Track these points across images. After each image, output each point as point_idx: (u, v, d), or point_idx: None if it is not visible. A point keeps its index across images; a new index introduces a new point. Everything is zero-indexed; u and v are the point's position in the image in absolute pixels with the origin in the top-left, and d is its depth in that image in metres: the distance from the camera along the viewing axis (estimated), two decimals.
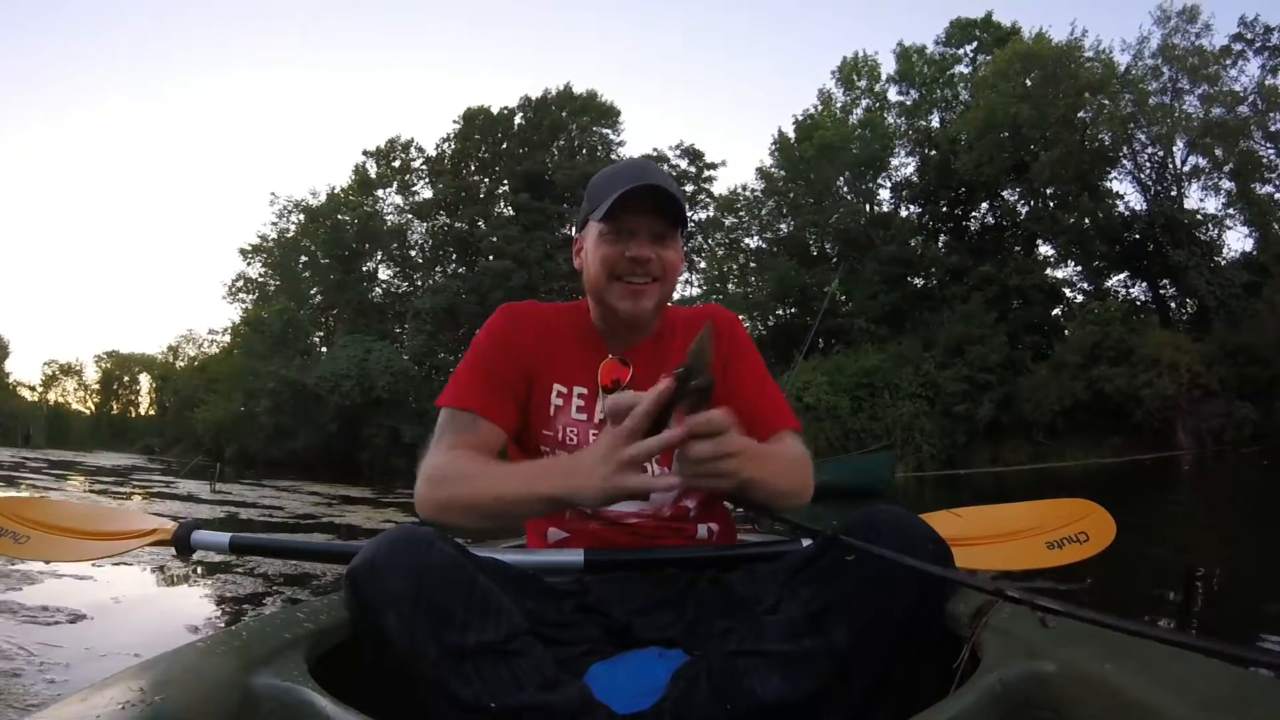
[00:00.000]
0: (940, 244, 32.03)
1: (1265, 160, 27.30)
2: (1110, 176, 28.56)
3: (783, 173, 34.58)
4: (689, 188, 38.83)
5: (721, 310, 1.46)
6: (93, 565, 4.23)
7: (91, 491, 11.31)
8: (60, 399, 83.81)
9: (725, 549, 1.28)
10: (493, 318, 1.36)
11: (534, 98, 40.98)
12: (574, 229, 1.40)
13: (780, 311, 33.86)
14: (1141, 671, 0.65)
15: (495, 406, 1.26)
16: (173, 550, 1.50)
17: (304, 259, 43.76)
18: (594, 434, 1.28)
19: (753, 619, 0.98)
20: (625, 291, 1.25)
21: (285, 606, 0.97)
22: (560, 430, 1.30)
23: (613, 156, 39.34)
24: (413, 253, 42.57)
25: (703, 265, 36.97)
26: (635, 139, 42.00)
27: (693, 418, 0.98)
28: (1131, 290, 29.21)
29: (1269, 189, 27.51)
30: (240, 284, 45.79)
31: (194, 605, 3.94)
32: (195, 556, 1.49)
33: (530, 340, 1.32)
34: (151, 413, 74.45)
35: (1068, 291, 29.92)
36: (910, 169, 33.52)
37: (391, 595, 0.87)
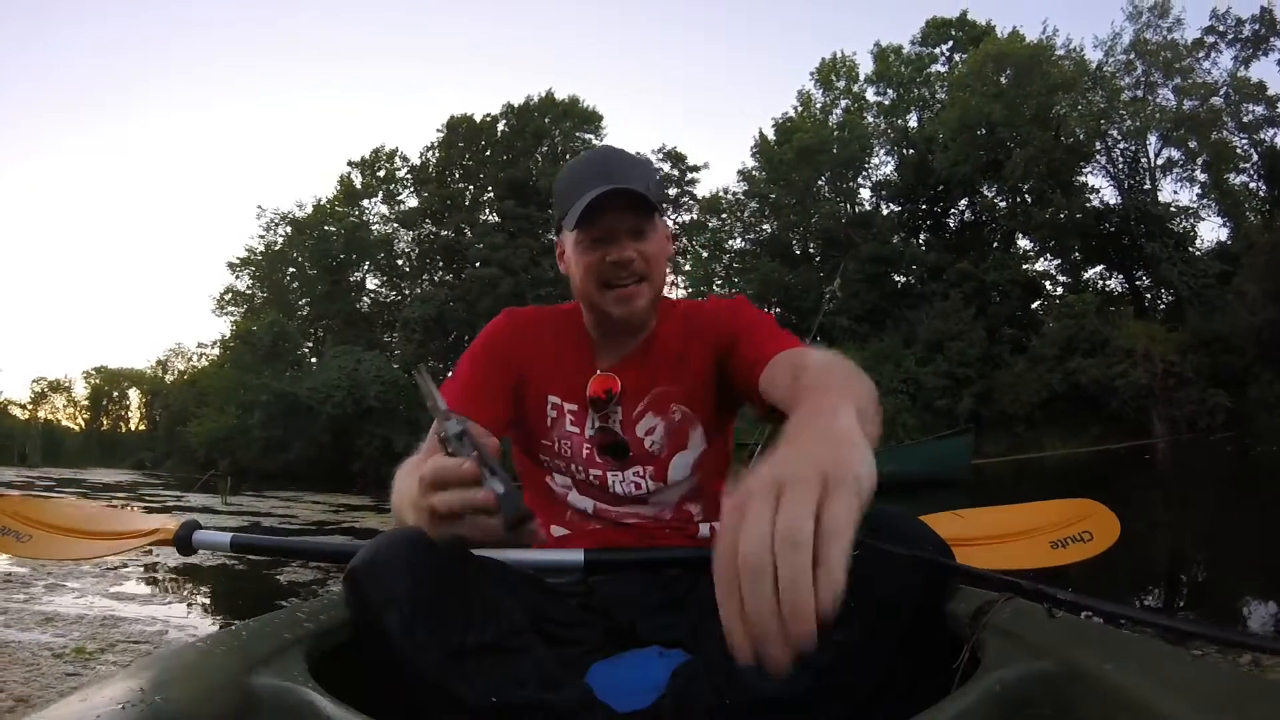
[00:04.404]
0: (920, 241, 32.41)
1: (1239, 150, 27.76)
2: (1085, 171, 28.97)
3: (764, 174, 34.88)
4: (672, 190, 39.08)
5: (718, 301, 1.37)
6: (94, 565, 4.54)
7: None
8: (50, 416, 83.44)
9: None
10: (492, 322, 1.35)
11: (516, 105, 41.15)
12: (553, 232, 1.36)
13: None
14: (1141, 671, 0.65)
15: (476, 408, 1.16)
16: (174, 549, 1.52)
17: (292, 271, 43.87)
18: (586, 449, 1.27)
19: None
20: (616, 298, 1.22)
21: (285, 607, 1.00)
22: (556, 442, 1.29)
23: None
24: (400, 262, 42.71)
25: (688, 267, 37.31)
26: (617, 143, 41.88)
27: None
28: (1108, 282, 29.70)
29: (1242, 179, 28.02)
30: (229, 297, 45.81)
31: (194, 605, 4.26)
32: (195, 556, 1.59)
33: (525, 348, 1.30)
34: (142, 428, 74.10)
35: (1047, 285, 30.42)
36: (889, 168, 33.94)
37: (391, 594, 0.87)
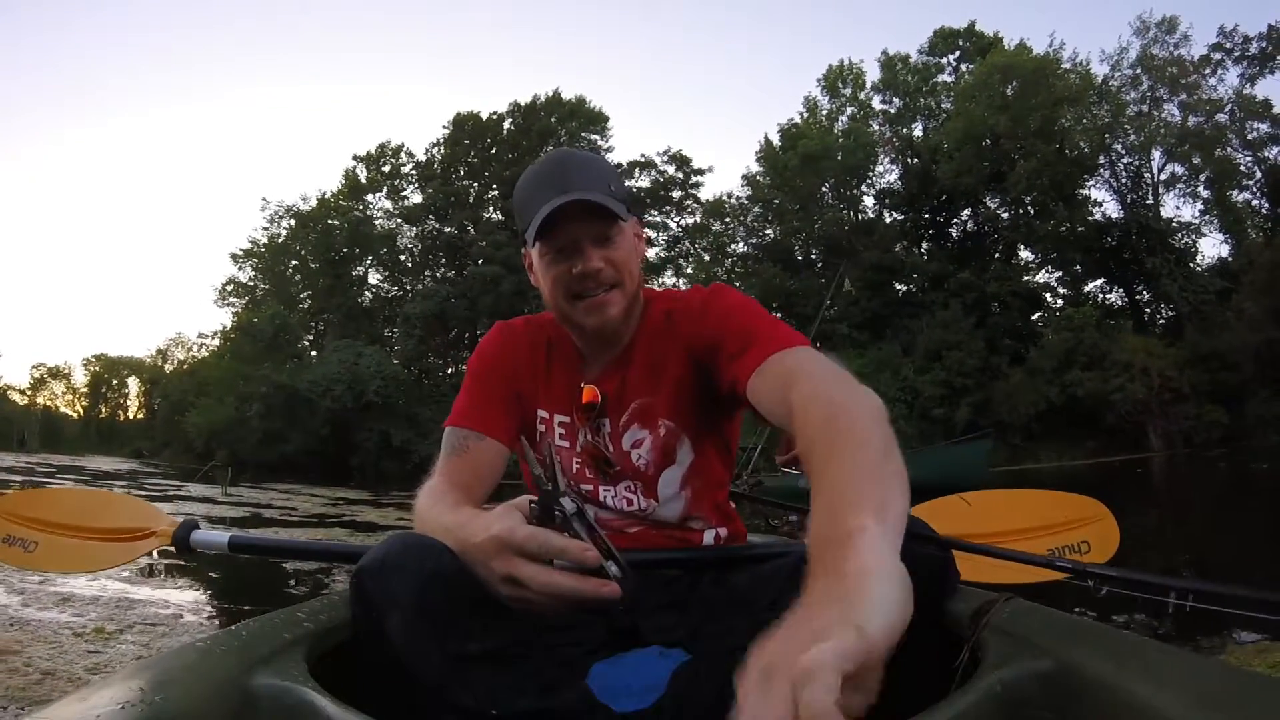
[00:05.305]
0: (922, 250, 32.51)
1: (1243, 167, 27.87)
2: (1088, 184, 29.13)
3: (768, 180, 34.95)
4: (676, 193, 39.17)
5: (697, 293, 1.26)
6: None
7: (110, 493, 11.74)
8: (49, 402, 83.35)
9: (727, 550, 1.24)
10: (485, 337, 1.35)
11: (523, 104, 41.18)
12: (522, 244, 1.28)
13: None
14: (1141, 671, 0.64)
15: (486, 422, 1.22)
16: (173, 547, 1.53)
17: (294, 263, 43.97)
18: (576, 462, 1.25)
19: (753, 616, 0.94)
20: (587, 309, 1.18)
21: (285, 607, 1.00)
22: (546, 456, 1.31)
23: None
24: (402, 257, 42.78)
25: (690, 270, 37.38)
26: (623, 145, 42.40)
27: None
28: (1109, 296, 29.82)
29: (1245, 196, 28.10)
30: (231, 288, 45.79)
31: (204, 588, 4.32)
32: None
33: (516, 362, 1.29)
34: (140, 416, 74.05)
35: (1048, 297, 30.52)
36: (893, 176, 34.08)
37: (396, 598, 0.87)
